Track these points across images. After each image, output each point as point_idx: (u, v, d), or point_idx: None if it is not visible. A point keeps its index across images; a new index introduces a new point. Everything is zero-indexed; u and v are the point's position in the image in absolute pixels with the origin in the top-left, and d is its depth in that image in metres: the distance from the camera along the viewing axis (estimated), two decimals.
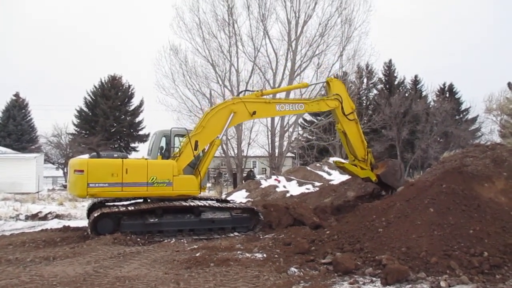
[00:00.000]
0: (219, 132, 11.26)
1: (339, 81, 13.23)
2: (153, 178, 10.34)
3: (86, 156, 11.13)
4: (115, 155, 10.74)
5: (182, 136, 11.50)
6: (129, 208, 10.48)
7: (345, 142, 12.83)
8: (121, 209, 10.36)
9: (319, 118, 34.35)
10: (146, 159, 11.17)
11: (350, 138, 12.49)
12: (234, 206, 11.60)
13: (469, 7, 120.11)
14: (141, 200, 11.28)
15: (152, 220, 10.30)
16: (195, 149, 10.73)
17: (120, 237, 9.42)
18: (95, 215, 10.02)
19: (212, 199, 11.97)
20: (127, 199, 11.66)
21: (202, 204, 10.91)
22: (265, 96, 12.20)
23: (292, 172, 26.69)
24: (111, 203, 11.40)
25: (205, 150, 11.46)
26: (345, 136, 12.60)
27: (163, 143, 11.55)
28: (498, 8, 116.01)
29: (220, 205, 11.27)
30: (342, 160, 13.15)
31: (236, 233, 11.04)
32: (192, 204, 10.71)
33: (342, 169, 13.09)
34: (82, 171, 9.90)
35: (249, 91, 12.82)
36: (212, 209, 11.05)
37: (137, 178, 10.25)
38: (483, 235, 6.79)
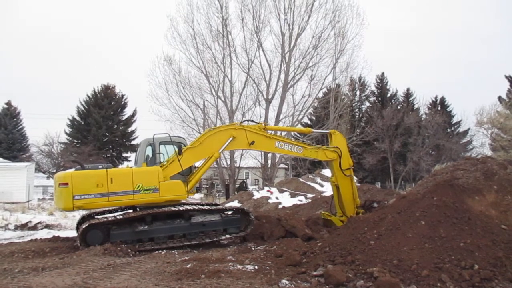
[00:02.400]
0: (214, 151, 11.30)
1: (342, 135, 13.16)
2: (139, 186, 10.29)
3: (71, 170, 11.06)
4: (100, 166, 10.67)
5: (167, 143, 11.50)
6: (118, 217, 10.40)
7: (336, 196, 12.66)
8: (109, 219, 10.29)
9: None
10: (131, 168, 11.14)
11: (343, 193, 12.34)
12: (224, 208, 11.56)
13: (462, 22, 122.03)
14: (130, 211, 11.21)
15: (142, 227, 10.23)
16: (179, 153, 10.75)
17: (110, 247, 9.31)
18: (84, 226, 9.93)
19: (201, 204, 11.93)
20: (116, 210, 11.59)
21: (192, 208, 10.84)
22: (267, 131, 12.18)
23: (284, 184, 26.74)
24: (101, 215, 11.32)
25: (195, 165, 11.50)
26: (338, 191, 12.51)
27: (148, 151, 11.54)
28: (491, 23, 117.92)
29: (210, 208, 11.23)
30: (330, 214, 12.96)
31: (228, 235, 10.98)
32: (181, 208, 10.64)
33: (328, 222, 12.71)
34: (66, 184, 9.85)
35: (253, 121, 12.89)
36: (202, 212, 11.00)
37: (123, 187, 10.19)
38: (474, 248, 6.82)
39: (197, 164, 11.63)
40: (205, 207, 11.24)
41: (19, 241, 12.20)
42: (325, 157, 12.40)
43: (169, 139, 11.54)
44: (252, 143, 11.61)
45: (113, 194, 10.10)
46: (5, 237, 13.39)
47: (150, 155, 11.44)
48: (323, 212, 13.35)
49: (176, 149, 10.89)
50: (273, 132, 12.77)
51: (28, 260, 8.86)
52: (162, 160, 11.15)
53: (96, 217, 11.12)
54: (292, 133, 31.40)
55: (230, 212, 11.43)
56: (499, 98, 33.19)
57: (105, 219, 10.28)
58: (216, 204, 12.43)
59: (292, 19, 31.55)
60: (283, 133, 27.49)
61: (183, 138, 12.77)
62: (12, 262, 8.59)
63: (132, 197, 10.28)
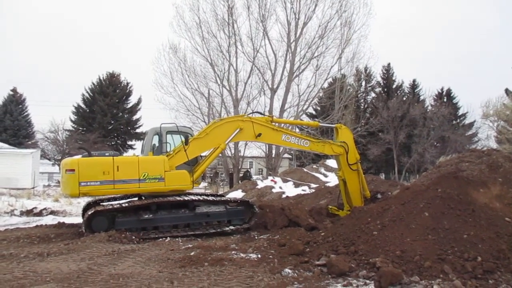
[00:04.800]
0: (221, 142, 11.29)
1: (348, 129, 13.12)
2: (144, 175, 10.33)
3: (78, 156, 11.12)
4: (106, 154, 10.72)
5: (174, 133, 11.51)
6: (123, 205, 10.47)
7: (343, 191, 12.62)
8: (115, 206, 10.36)
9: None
10: (137, 156, 11.19)
11: (350, 188, 12.30)
12: (229, 199, 11.60)
13: (469, 14, 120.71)
14: (135, 198, 11.27)
15: (147, 216, 10.29)
16: (186, 143, 10.76)
17: (115, 234, 9.40)
18: (89, 213, 10.01)
19: (206, 195, 11.97)
20: (122, 198, 11.64)
21: (197, 198, 10.89)
22: (274, 123, 12.12)
23: (288, 173, 26.72)
24: (106, 202, 11.39)
25: (201, 155, 11.50)
26: (344, 185, 12.45)
27: (155, 140, 11.56)
28: (498, 15, 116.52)
29: (215, 199, 11.28)
30: (337, 208, 12.92)
31: (231, 227, 11.04)
32: (186, 198, 10.69)
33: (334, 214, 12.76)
34: (73, 170, 9.92)
35: (260, 113, 12.81)
36: (206, 203, 11.05)
37: (129, 175, 10.25)
38: (477, 240, 6.81)
39: (204, 154, 11.64)
40: (210, 198, 11.28)
41: (25, 226, 12.31)
42: (331, 151, 12.33)
43: (176, 129, 11.54)
44: (259, 135, 11.58)
45: (119, 182, 10.16)
46: (11, 222, 13.51)
47: (157, 144, 11.46)
48: (330, 206, 13.33)
49: (183, 139, 10.89)
50: (280, 124, 12.64)
51: (33, 246, 8.95)
52: (168, 149, 11.18)
53: (101, 203, 11.21)
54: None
55: (234, 204, 11.46)
56: (506, 90, 32.86)
57: (110, 207, 10.35)
58: (221, 195, 12.46)
59: (298, 8, 31.30)
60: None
61: (190, 128, 12.77)
62: (18, 247, 8.69)
63: (138, 186, 10.34)
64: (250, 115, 12.07)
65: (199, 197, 11.07)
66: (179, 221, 10.64)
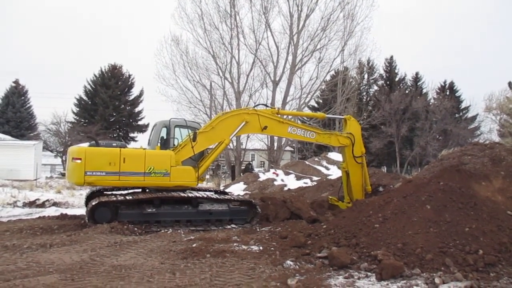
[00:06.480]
0: (226, 136, 11.26)
1: (357, 121, 12.99)
2: (150, 168, 10.33)
3: (85, 144, 11.13)
4: (114, 144, 10.74)
5: (182, 127, 11.49)
6: (127, 197, 10.50)
7: (345, 183, 12.54)
8: (119, 198, 10.38)
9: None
10: (144, 149, 11.18)
11: (352, 181, 12.20)
12: (232, 198, 11.62)
13: (472, 6, 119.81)
14: (139, 190, 11.29)
15: (150, 210, 10.32)
16: (194, 140, 10.73)
17: (117, 226, 9.42)
18: (93, 203, 10.05)
19: (210, 191, 11.98)
20: (125, 188, 11.68)
21: (200, 196, 10.92)
22: (279, 115, 12.02)
23: (290, 166, 26.77)
24: (109, 192, 11.41)
25: (208, 149, 11.49)
26: (347, 177, 12.41)
27: (163, 133, 11.53)
28: (500, 7, 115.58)
29: (218, 197, 11.31)
30: (337, 199, 12.86)
31: (233, 225, 11.06)
32: (190, 195, 10.73)
33: (334, 206, 12.70)
34: (80, 159, 9.93)
35: (266, 105, 12.71)
36: (210, 200, 11.06)
37: (135, 168, 10.26)
38: (479, 233, 6.81)
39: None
40: (214, 196, 11.31)
41: (28, 218, 12.35)
42: (337, 142, 12.26)
43: (184, 123, 11.53)
44: (265, 128, 11.49)
45: (125, 173, 10.18)
46: (14, 214, 13.55)
47: (165, 137, 11.45)
48: (330, 197, 13.33)
49: (191, 133, 10.86)
50: (286, 116, 12.56)
51: (36, 237, 8.98)
52: (175, 144, 11.17)
53: (105, 193, 11.22)
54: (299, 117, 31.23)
55: (237, 203, 11.47)
56: (509, 83, 32.73)
57: (114, 198, 10.37)
58: (225, 193, 12.47)
59: (301, 0, 31.17)
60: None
61: (199, 124, 12.72)
62: (21, 238, 8.72)
63: (143, 179, 10.34)
64: (256, 108, 11.99)
65: (203, 194, 11.09)
66: (182, 217, 10.66)
